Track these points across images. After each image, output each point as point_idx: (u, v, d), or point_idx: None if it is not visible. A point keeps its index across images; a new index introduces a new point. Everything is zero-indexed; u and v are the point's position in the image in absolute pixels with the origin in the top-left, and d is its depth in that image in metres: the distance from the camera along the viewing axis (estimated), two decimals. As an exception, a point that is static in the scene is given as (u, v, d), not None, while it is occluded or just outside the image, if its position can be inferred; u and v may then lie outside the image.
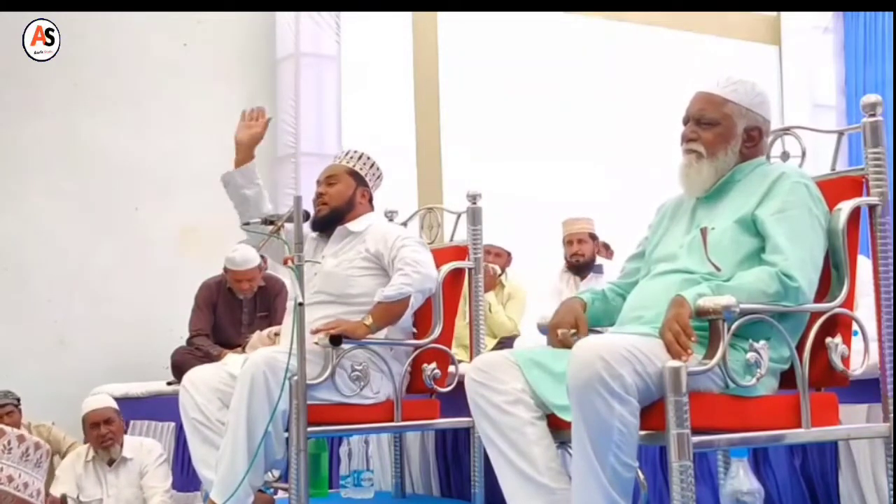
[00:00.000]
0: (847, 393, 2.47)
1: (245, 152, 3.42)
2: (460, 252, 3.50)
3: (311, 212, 3.41)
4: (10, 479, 2.06)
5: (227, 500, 3.00)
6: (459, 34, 7.24)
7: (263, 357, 3.08)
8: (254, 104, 3.54)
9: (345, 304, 3.29)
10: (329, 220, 3.44)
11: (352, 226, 3.42)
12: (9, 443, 2.08)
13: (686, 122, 2.50)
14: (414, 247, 3.31)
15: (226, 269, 5.37)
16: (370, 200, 3.52)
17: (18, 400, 5.25)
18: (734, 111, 2.45)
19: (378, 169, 3.53)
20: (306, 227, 3.30)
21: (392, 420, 3.27)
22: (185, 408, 3.28)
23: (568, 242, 5.44)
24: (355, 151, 3.55)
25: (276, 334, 3.81)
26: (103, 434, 4.42)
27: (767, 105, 2.51)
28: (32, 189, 6.34)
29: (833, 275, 2.38)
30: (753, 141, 2.47)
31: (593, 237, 5.47)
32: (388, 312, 3.22)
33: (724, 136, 2.45)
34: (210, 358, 4.93)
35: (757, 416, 2.24)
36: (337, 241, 3.43)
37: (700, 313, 2.14)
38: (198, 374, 3.34)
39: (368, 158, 3.52)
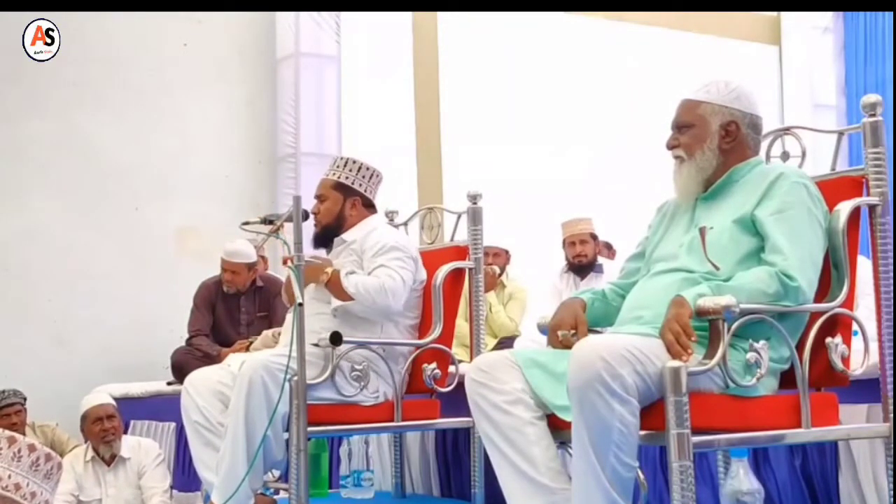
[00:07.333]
0: (847, 393, 2.46)
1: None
2: (460, 252, 3.50)
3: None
4: (18, 487, 2.05)
5: (226, 500, 3.00)
6: (459, 34, 7.23)
7: (260, 360, 3.09)
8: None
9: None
10: (324, 237, 3.51)
11: (346, 235, 3.47)
12: (19, 451, 2.07)
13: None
14: (402, 263, 3.31)
15: (221, 260, 5.37)
16: (366, 205, 3.51)
17: (25, 399, 5.26)
18: (707, 110, 2.49)
19: (367, 170, 3.51)
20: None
21: (392, 420, 3.27)
22: (186, 410, 3.28)
23: (570, 244, 5.45)
24: (341, 159, 3.57)
25: (280, 334, 3.82)
26: (106, 428, 4.42)
27: (746, 98, 2.51)
28: (32, 189, 6.34)
29: (833, 275, 2.38)
30: (731, 136, 2.48)
31: (594, 237, 5.48)
32: (337, 288, 3.24)
33: (700, 136, 2.48)
34: (209, 358, 4.93)
35: (757, 416, 2.24)
36: (336, 252, 3.47)
37: (700, 313, 2.14)
38: (199, 377, 3.35)
39: (354, 163, 3.51)
